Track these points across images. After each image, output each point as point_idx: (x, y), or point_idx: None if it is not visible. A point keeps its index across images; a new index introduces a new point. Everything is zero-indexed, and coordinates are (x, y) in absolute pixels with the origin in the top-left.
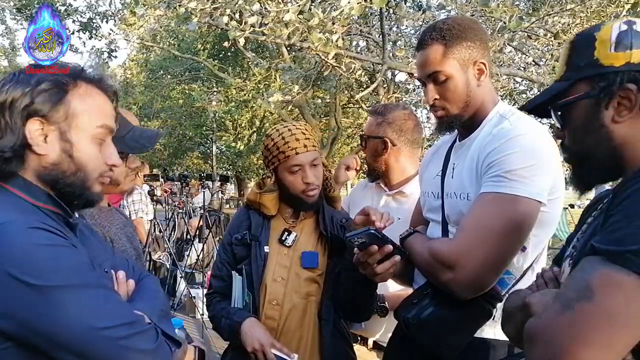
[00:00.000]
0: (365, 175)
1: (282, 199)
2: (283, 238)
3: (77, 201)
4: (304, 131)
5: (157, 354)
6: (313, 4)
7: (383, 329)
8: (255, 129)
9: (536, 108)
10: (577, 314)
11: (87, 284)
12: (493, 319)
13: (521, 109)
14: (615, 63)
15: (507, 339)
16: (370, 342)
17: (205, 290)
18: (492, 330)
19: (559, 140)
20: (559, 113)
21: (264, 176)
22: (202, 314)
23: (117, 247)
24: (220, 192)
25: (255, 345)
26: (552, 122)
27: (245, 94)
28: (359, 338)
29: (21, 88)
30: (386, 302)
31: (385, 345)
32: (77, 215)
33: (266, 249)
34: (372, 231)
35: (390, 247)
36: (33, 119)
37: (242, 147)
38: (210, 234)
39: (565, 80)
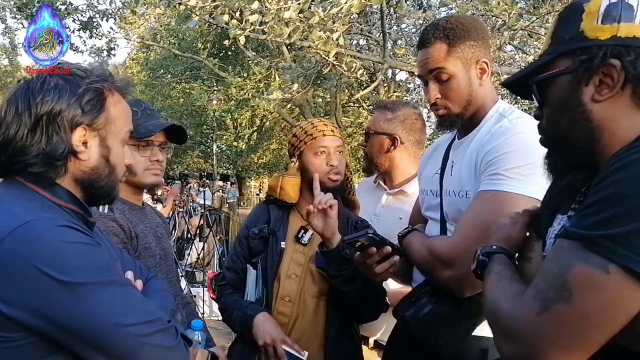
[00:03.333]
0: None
1: (304, 189)
2: (299, 235)
3: (103, 200)
4: (332, 123)
5: (177, 350)
6: (313, 3)
7: (384, 328)
8: (256, 128)
9: (516, 84)
10: (555, 316)
11: (113, 281)
12: None
13: (502, 84)
14: (601, 36)
15: None
16: (371, 341)
17: (206, 289)
18: None
19: (537, 122)
20: (538, 89)
21: (287, 163)
22: (203, 313)
23: (140, 243)
24: (220, 191)
25: (266, 340)
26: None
27: (245, 93)
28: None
29: (67, 98)
30: (387, 298)
31: (385, 344)
32: (106, 206)
33: (282, 244)
34: (370, 234)
35: (389, 248)
36: (79, 127)
37: (242, 146)
38: (211, 232)
39: (548, 55)
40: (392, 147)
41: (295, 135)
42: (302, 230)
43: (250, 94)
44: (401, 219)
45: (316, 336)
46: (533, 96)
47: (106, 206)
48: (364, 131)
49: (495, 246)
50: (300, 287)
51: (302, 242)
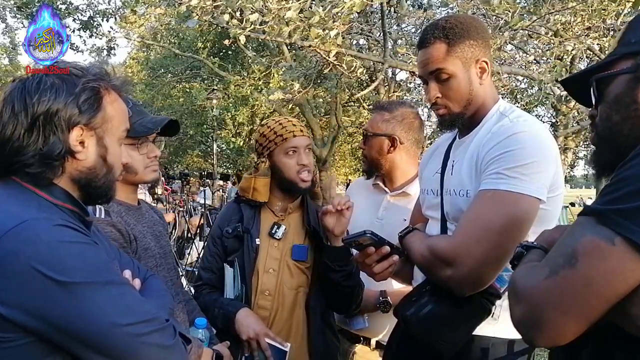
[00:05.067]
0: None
1: (273, 187)
2: (273, 231)
3: (100, 200)
4: (299, 123)
5: (175, 350)
6: (314, 2)
7: (387, 330)
8: (255, 126)
9: (575, 82)
10: (560, 280)
11: (110, 281)
12: (492, 317)
13: (562, 82)
14: None
15: (506, 337)
16: (373, 342)
17: None
18: (492, 328)
19: (590, 121)
20: (597, 87)
21: (257, 163)
22: None
23: (140, 244)
24: (221, 190)
25: (250, 334)
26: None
27: (244, 90)
28: (362, 338)
29: (64, 98)
30: (389, 297)
31: (386, 343)
32: (102, 210)
33: (257, 241)
34: (369, 234)
35: (387, 248)
36: (76, 127)
37: (240, 143)
38: None
39: (612, 56)
40: (391, 148)
41: (264, 135)
42: (275, 226)
43: (249, 91)
44: (405, 220)
45: (297, 327)
46: (592, 92)
47: (102, 210)
48: (362, 133)
49: (536, 243)
50: (279, 280)
51: (276, 237)
